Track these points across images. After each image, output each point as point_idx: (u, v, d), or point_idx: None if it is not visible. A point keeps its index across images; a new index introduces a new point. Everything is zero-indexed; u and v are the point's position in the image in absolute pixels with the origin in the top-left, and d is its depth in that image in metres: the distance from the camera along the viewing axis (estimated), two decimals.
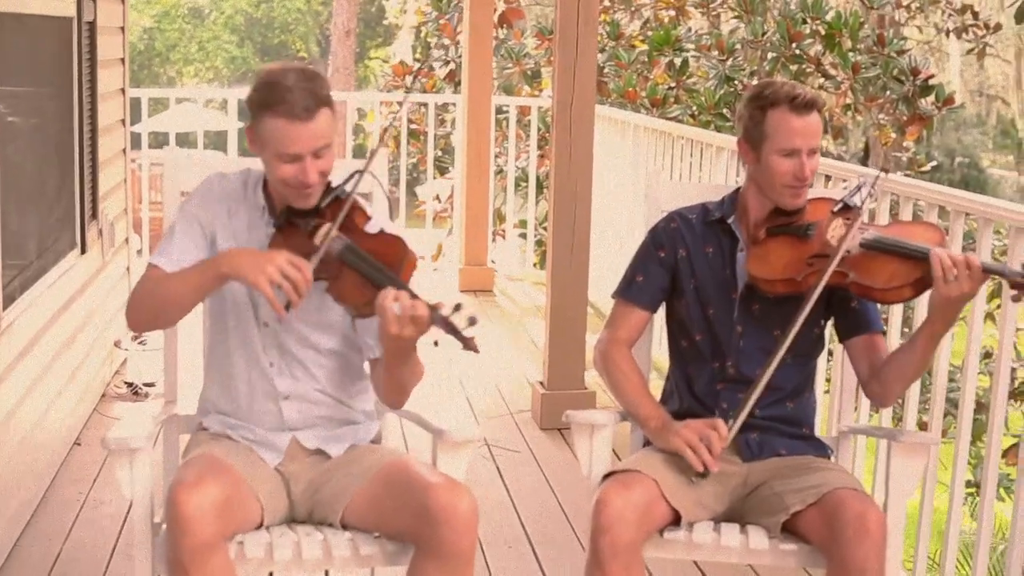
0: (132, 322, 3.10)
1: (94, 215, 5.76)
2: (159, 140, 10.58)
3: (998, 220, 3.82)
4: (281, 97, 2.89)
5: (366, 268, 2.91)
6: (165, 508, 2.85)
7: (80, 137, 5.50)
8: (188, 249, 3.05)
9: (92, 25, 5.72)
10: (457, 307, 2.76)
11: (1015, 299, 3.06)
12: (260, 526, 3.02)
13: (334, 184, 3.04)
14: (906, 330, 4.84)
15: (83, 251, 5.50)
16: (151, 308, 3.04)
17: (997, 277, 3.09)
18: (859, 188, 3.30)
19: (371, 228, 3.04)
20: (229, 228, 3.10)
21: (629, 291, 3.41)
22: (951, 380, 6.60)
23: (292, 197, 3.00)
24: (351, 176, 3.04)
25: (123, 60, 6.64)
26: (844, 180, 4.54)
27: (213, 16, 30.85)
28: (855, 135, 13.89)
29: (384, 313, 2.79)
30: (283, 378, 3.13)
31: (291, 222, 3.03)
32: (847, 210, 3.25)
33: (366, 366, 3.21)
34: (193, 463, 2.98)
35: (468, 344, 2.73)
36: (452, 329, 2.75)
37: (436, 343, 2.80)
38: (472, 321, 2.74)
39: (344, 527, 3.04)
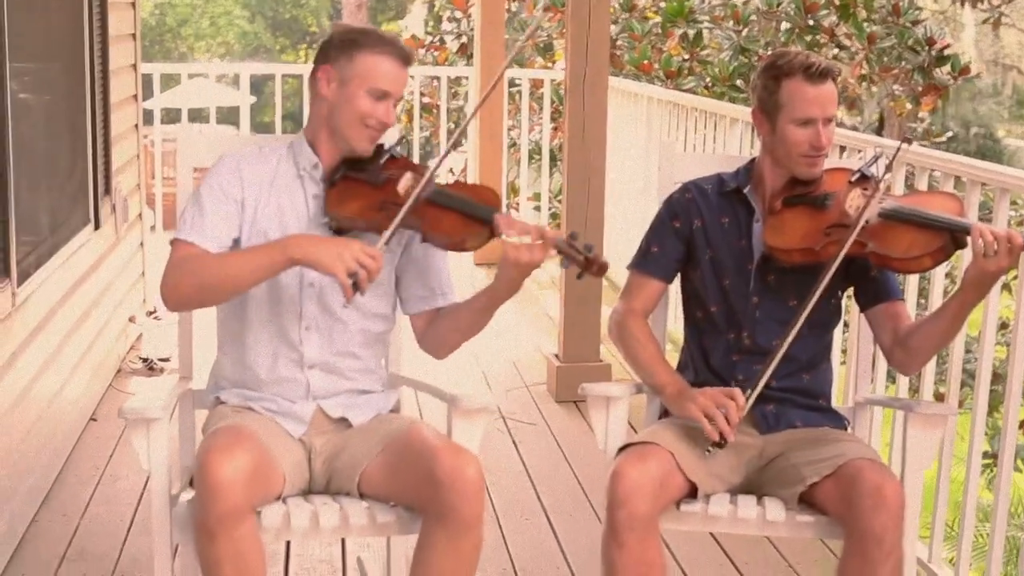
0: (172, 302, 3.03)
1: (107, 191, 5.76)
2: (171, 116, 10.57)
3: (1015, 190, 3.79)
4: (384, 40, 3.08)
5: (464, 206, 3.04)
6: (195, 474, 2.85)
7: (92, 113, 5.49)
8: (220, 223, 3.04)
9: (103, 1, 5.71)
10: (572, 235, 2.93)
11: None
12: (279, 497, 3.02)
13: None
14: (922, 301, 4.82)
15: (96, 227, 5.50)
16: (198, 287, 2.98)
17: None
18: (876, 159, 3.29)
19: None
20: (269, 194, 3.11)
21: (644, 262, 3.39)
22: (968, 351, 6.58)
23: (357, 139, 3.09)
24: (399, 140, 3.22)
25: (134, 36, 6.63)
26: (859, 151, 4.51)
27: None
28: (870, 106, 13.84)
29: (512, 239, 2.90)
30: (317, 341, 3.12)
31: (348, 176, 3.10)
32: (864, 180, 3.24)
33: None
34: (221, 432, 2.97)
35: (592, 263, 2.89)
36: (576, 251, 2.90)
37: (564, 268, 2.96)
38: (589, 248, 2.90)
39: (361, 496, 3.04)
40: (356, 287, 2.87)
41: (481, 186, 3.20)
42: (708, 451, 3.12)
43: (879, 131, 13.51)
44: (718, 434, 3.08)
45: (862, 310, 3.35)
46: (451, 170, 10.67)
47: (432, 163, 3.10)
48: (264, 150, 3.18)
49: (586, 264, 2.90)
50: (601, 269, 2.91)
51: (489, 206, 3.05)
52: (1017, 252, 2.99)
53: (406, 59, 3.09)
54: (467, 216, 3.04)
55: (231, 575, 2.82)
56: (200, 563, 2.87)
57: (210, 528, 2.79)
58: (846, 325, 4.43)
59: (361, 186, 3.09)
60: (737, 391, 3.13)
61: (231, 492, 2.78)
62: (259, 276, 2.95)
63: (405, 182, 3.08)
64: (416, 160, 9.35)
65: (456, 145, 3.55)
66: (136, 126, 6.70)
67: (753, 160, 3.39)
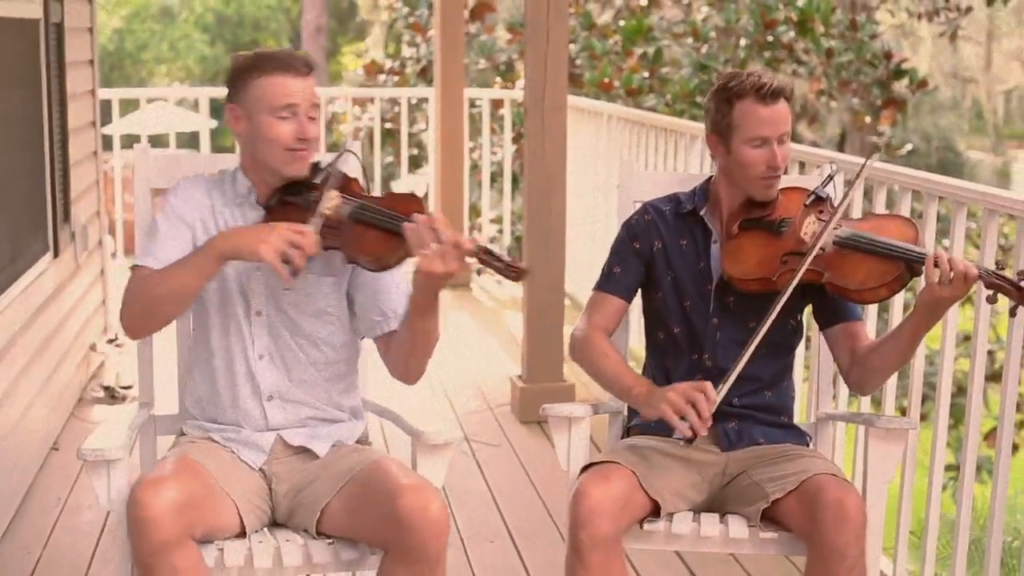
0: (129, 328, 3.04)
1: (66, 218, 5.72)
2: (131, 142, 10.52)
3: (971, 203, 3.82)
4: (276, 57, 2.97)
5: (384, 221, 2.92)
6: (126, 508, 2.82)
7: (50, 140, 5.46)
8: (174, 247, 3.01)
9: (60, 27, 5.69)
10: (491, 240, 2.76)
11: (990, 300, 3.01)
12: (243, 532, 2.97)
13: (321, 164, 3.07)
14: (884, 315, 4.84)
15: (56, 254, 5.46)
16: (147, 308, 2.98)
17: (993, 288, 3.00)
18: (831, 178, 3.29)
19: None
20: (214, 222, 3.08)
21: (606, 283, 3.38)
22: (930, 364, 6.60)
23: (285, 163, 3.00)
24: (339, 155, 3.09)
25: (92, 61, 6.60)
26: (818, 167, 4.53)
27: (183, 15, 30.72)
28: (831, 121, 13.90)
29: (423, 247, 2.80)
30: (272, 371, 3.09)
31: (284, 201, 3.03)
32: (819, 202, 3.23)
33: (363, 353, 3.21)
34: (161, 463, 2.96)
35: (511, 267, 2.80)
36: (493, 256, 2.79)
37: (479, 272, 2.79)
38: (508, 252, 2.73)
39: (321, 533, 2.98)
40: (293, 271, 2.85)
41: (411, 197, 3.03)
42: (680, 445, 3.12)
43: (841, 146, 13.57)
44: (689, 430, 3.06)
45: (821, 329, 3.35)
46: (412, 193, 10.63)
47: (339, 184, 3.00)
48: (213, 177, 3.16)
49: (505, 269, 2.81)
50: (519, 274, 2.82)
51: (400, 215, 2.91)
52: (971, 283, 2.97)
53: (305, 67, 2.99)
54: (390, 233, 2.92)
55: None
56: None
57: (146, 563, 2.76)
58: (808, 341, 4.44)
59: (290, 212, 3.00)
60: (708, 384, 3.08)
61: (160, 524, 2.73)
62: (196, 281, 2.94)
63: (328, 199, 2.96)
64: (375, 182, 9.36)
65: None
66: (95, 152, 6.67)
67: (710, 179, 3.39)
